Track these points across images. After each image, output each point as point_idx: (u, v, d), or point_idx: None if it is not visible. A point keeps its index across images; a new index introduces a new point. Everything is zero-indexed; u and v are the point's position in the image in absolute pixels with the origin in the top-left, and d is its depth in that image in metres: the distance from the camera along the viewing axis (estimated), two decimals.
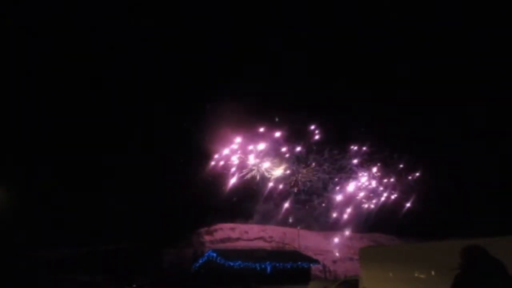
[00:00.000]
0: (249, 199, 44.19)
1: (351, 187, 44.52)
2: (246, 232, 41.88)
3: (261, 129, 43.77)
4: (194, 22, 57.65)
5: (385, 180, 43.53)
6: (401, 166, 42.23)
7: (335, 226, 44.50)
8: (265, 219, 44.02)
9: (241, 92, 42.00)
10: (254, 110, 42.97)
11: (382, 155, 42.18)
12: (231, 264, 29.16)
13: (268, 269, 30.05)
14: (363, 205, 44.15)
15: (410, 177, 41.53)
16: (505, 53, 41.61)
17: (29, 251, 31.87)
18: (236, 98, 41.38)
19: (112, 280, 28.08)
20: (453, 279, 4.54)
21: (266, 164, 43.92)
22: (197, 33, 56.31)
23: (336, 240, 41.62)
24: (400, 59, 49.98)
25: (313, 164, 43.61)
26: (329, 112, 45.88)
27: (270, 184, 43.87)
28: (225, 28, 59.23)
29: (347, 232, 43.42)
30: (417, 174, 40.85)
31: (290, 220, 43.47)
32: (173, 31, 57.56)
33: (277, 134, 43.21)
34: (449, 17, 47.89)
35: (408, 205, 41.38)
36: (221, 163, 44.01)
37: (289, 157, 44.31)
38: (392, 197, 42.67)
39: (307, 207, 44.25)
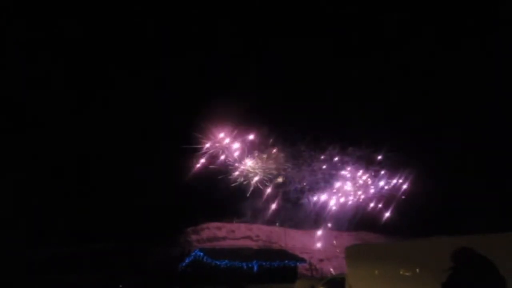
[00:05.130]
0: (235, 198, 44.14)
1: (337, 184, 44.66)
2: (233, 231, 41.87)
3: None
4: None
5: (371, 179, 43.79)
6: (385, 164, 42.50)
7: (321, 225, 44.73)
8: (252, 218, 44.03)
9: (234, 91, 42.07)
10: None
11: (367, 153, 42.38)
12: (218, 263, 29.18)
13: (255, 268, 30.14)
14: (348, 204, 44.40)
15: (396, 176, 41.82)
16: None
17: (14, 252, 31.34)
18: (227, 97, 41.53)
19: (98, 280, 27.85)
20: (446, 279, 4.61)
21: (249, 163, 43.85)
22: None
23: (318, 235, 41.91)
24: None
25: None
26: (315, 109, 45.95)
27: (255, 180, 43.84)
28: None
29: (332, 231, 43.70)
30: (404, 172, 41.13)
31: (277, 219, 43.51)
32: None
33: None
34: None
35: (394, 203, 41.75)
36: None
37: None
38: (378, 195, 42.98)
39: (290, 205, 44.30)
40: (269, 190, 43.20)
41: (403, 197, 39.25)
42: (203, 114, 43.62)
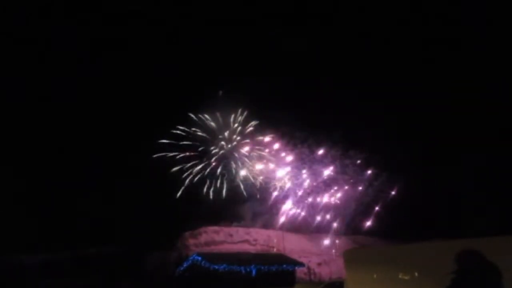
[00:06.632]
0: (233, 201, 44.09)
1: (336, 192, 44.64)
2: (231, 235, 41.66)
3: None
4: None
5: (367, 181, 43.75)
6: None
7: (320, 229, 44.66)
8: (250, 221, 43.92)
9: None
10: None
11: (366, 156, 42.40)
12: (216, 267, 29.01)
13: (253, 272, 29.98)
14: (346, 207, 44.34)
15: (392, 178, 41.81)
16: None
17: (8, 256, 31.13)
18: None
19: (95, 285, 27.70)
20: (450, 283, 4.54)
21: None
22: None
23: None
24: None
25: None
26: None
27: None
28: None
29: (331, 234, 43.63)
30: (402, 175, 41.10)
31: (275, 222, 43.42)
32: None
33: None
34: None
35: (391, 206, 41.72)
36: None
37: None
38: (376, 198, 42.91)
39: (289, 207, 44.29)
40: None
41: (401, 200, 39.24)
42: (203, 114, 44.05)
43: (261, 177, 44.19)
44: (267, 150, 44.19)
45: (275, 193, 44.20)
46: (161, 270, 34.03)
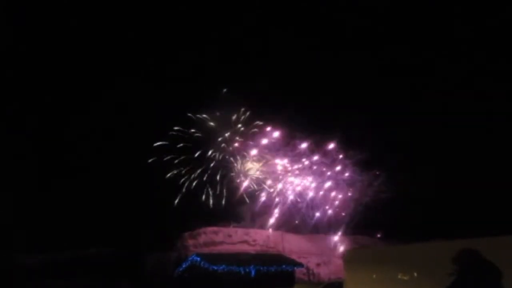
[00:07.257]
0: (233, 202, 44.02)
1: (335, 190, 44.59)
2: (230, 236, 41.59)
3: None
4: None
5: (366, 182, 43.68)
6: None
7: (319, 229, 44.63)
8: (249, 222, 43.86)
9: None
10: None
11: (366, 155, 42.34)
12: (215, 268, 28.99)
13: (252, 272, 29.99)
14: (346, 207, 44.29)
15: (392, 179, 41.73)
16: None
17: (8, 256, 31.06)
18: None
19: (95, 285, 27.68)
20: (450, 284, 4.52)
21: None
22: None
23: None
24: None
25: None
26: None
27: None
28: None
29: (330, 235, 43.61)
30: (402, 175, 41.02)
31: (273, 223, 43.34)
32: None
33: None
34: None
35: (391, 207, 41.65)
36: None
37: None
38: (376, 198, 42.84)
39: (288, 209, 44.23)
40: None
41: (401, 200, 39.21)
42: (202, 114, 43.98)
43: (260, 178, 44.16)
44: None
45: (274, 194, 44.21)
46: (160, 271, 34.00)
